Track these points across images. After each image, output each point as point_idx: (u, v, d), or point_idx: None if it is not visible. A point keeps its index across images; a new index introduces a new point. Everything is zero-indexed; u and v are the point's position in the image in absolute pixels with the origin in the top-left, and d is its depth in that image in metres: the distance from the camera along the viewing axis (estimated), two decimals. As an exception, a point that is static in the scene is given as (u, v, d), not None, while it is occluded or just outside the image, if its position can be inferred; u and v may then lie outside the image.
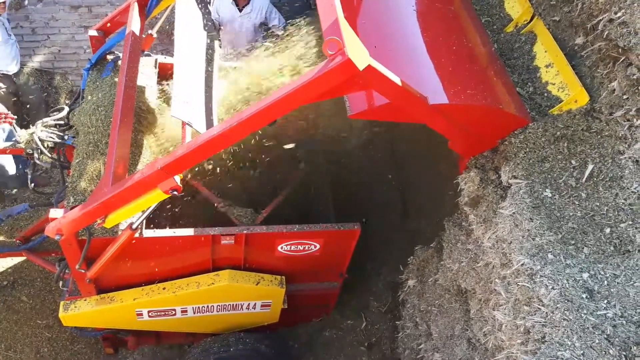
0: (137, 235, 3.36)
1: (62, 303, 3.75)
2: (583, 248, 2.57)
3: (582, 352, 2.21)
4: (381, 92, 2.60)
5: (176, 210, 4.08)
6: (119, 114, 3.26)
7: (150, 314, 3.89)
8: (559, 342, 2.26)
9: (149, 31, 4.03)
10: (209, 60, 3.76)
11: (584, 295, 2.37)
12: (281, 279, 4.04)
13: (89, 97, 3.90)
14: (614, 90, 2.77)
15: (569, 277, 2.43)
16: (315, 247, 3.92)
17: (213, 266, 3.86)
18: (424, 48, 3.26)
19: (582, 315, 2.30)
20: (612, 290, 2.41)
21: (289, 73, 3.58)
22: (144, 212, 3.26)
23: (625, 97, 2.71)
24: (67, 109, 3.98)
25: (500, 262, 2.74)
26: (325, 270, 4.31)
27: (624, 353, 2.21)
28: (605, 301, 2.37)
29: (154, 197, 2.92)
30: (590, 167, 2.77)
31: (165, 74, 4.41)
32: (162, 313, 3.93)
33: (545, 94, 3.13)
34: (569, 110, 2.95)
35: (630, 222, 2.57)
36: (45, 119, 3.91)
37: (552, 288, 2.38)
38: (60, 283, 3.85)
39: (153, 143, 3.94)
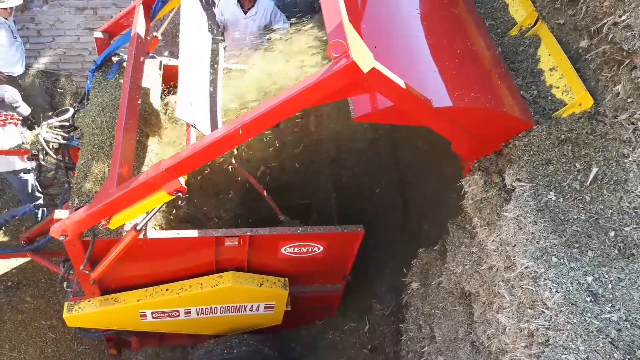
0: (141, 236, 3.37)
1: (66, 304, 3.76)
2: (587, 251, 2.57)
3: (586, 355, 2.20)
4: (385, 95, 2.61)
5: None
6: (123, 115, 3.27)
7: (153, 315, 3.90)
8: (563, 345, 2.25)
9: (154, 33, 4.04)
10: (214, 62, 3.77)
11: (588, 299, 2.37)
12: (284, 281, 4.04)
13: (94, 99, 3.92)
14: (619, 93, 2.76)
15: (573, 280, 2.43)
16: (318, 249, 3.92)
17: (217, 268, 3.86)
18: (427, 51, 3.27)
19: (586, 318, 2.30)
20: (616, 293, 2.40)
21: (293, 75, 3.59)
22: (148, 213, 3.27)
23: (629, 100, 2.70)
24: (72, 110, 4.00)
25: (504, 265, 2.74)
26: (329, 272, 4.31)
27: (629, 357, 2.20)
28: (610, 304, 2.36)
29: (159, 199, 2.93)
30: (594, 170, 2.77)
31: (170, 76, 4.43)
32: (166, 314, 3.93)
33: (550, 98, 3.13)
34: (573, 113, 2.95)
35: (634, 226, 2.57)
36: (50, 120, 3.93)
37: (556, 291, 2.38)
38: (65, 284, 3.86)
39: (157, 144, 3.95)
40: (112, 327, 4.13)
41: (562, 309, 2.33)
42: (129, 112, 3.31)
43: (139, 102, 3.59)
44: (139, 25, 3.72)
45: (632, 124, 2.68)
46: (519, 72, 3.33)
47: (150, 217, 3.30)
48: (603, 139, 2.81)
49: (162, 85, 4.36)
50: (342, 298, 4.73)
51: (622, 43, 2.67)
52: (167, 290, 3.81)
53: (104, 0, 6.44)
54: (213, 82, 3.67)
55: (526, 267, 2.52)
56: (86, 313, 3.71)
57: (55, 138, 3.85)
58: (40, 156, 3.90)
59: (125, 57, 4.06)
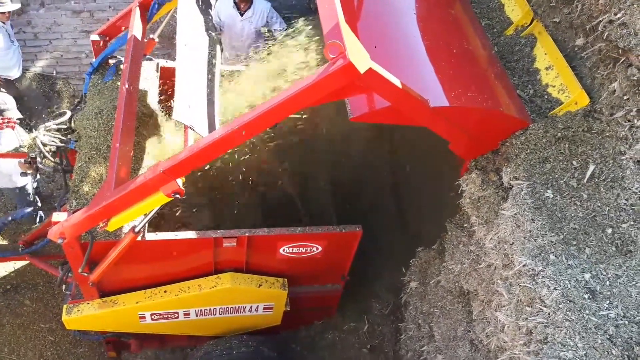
0: (139, 238, 3.37)
1: (65, 306, 3.75)
2: (585, 248, 2.58)
3: (584, 352, 2.21)
4: (382, 95, 2.61)
5: None
6: (121, 118, 3.27)
7: (153, 317, 3.90)
8: (561, 342, 2.26)
9: (151, 35, 4.04)
10: (211, 64, 3.77)
11: (586, 296, 2.38)
12: (283, 282, 4.04)
13: (91, 102, 3.91)
14: (615, 91, 2.77)
15: (570, 277, 2.43)
16: (317, 249, 3.92)
17: (215, 269, 3.86)
18: (424, 51, 3.27)
19: (584, 315, 2.31)
20: (614, 290, 2.41)
21: (290, 76, 3.59)
22: (146, 215, 3.27)
23: (625, 97, 2.72)
24: (69, 113, 3.99)
25: (502, 263, 2.75)
26: (327, 272, 4.31)
27: (627, 353, 2.21)
28: (608, 301, 2.37)
29: (156, 201, 2.93)
30: (591, 167, 2.78)
31: (167, 78, 4.43)
32: (165, 316, 3.93)
33: (546, 96, 3.14)
34: (569, 111, 2.96)
35: (632, 223, 2.58)
36: (47, 124, 3.93)
37: (554, 289, 2.38)
38: (63, 286, 3.86)
39: (155, 146, 3.95)
40: (111, 330, 4.13)
41: (560, 306, 2.34)
42: (126, 114, 3.31)
43: (136, 104, 3.59)
44: (136, 28, 3.72)
45: (629, 121, 2.69)
46: (515, 72, 3.34)
47: (149, 219, 3.30)
48: (600, 137, 2.82)
49: (159, 88, 4.36)
50: (341, 298, 4.73)
51: (618, 41, 2.68)
52: (165, 292, 3.81)
53: (100, 3, 6.44)
54: (210, 83, 3.67)
55: (524, 265, 2.52)
56: (85, 315, 3.71)
57: (53, 141, 3.85)
58: (38, 159, 3.89)
59: (122, 59, 4.06)
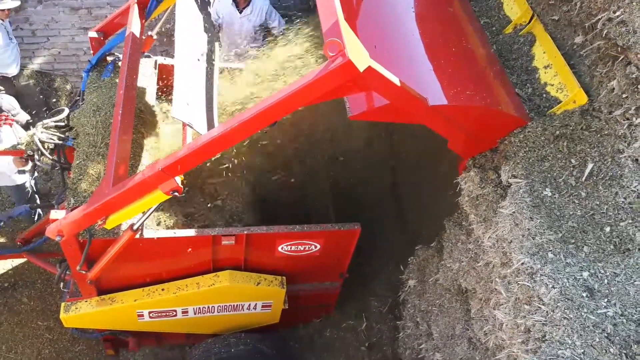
0: (138, 236, 3.36)
1: (63, 304, 3.75)
2: (583, 247, 2.58)
3: (582, 350, 2.22)
4: (381, 94, 2.61)
5: None
6: (119, 115, 3.27)
7: (151, 315, 3.90)
8: (559, 340, 2.26)
9: (149, 33, 4.04)
10: (210, 62, 3.76)
11: (584, 294, 2.38)
12: (282, 280, 4.04)
13: (89, 99, 3.90)
14: (613, 89, 2.77)
15: (569, 275, 2.44)
16: (315, 247, 3.92)
17: (213, 267, 3.86)
18: (423, 50, 3.27)
19: (583, 314, 2.31)
20: (612, 288, 2.41)
21: (289, 74, 3.59)
22: (144, 213, 3.26)
23: (624, 95, 2.72)
24: (67, 110, 3.99)
25: (500, 261, 2.75)
26: (326, 270, 4.31)
27: (625, 351, 2.21)
28: (606, 300, 2.37)
29: (155, 198, 2.93)
30: (590, 165, 2.78)
31: (165, 75, 4.42)
32: (163, 314, 3.93)
33: (544, 95, 3.14)
34: (567, 110, 2.96)
35: (630, 221, 2.58)
36: (45, 121, 3.92)
37: (553, 287, 2.39)
38: (61, 284, 3.86)
39: (153, 144, 3.94)
40: (110, 327, 4.13)
41: (558, 304, 2.34)
42: (124, 111, 3.31)
43: (135, 101, 3.58)
44: (134, 25, 3.71)
45: (627, 119, 2.69)
46: (514, 70, 3.34)
47: (147, 217, 3.29)
48: (598, 135, 2.82)
49: (157, 85, 4.35)
50: (339, 296, 4.73)
51: (617, 39, 2.68)
52: (163, 289, 3.80)
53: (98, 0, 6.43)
54: (209, 81, 3.67)
55: (522, 263, 2.53)
56: (83, 313, 3.71)
57: (51, 138, 3.84)
58: (36, 157, 3.88)
59: (120, 56, 4.05)
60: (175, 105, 3.12)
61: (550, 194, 2.77)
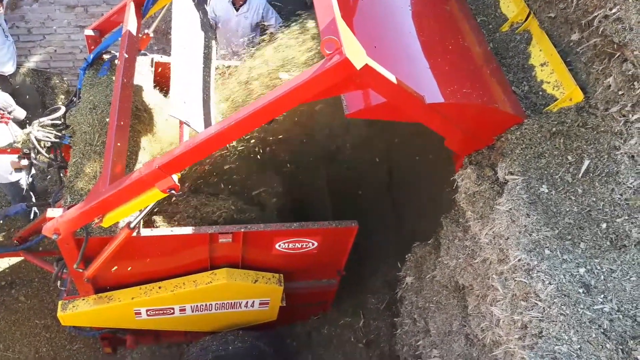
0: (134, 234, 3.36)
1: (60, 303, 3.75)
2: (579, 243, 2.59)
3: (579, 346, 2.23)
4: (378, 91, 2.61)
5: None
6: (116, 113, 3.26)
7: (148, 312, 3.90)
8: (556, 336, 2.27)
9: (146, 30, 4.02)
10: (206, 60, 3.76)
11: (580, 290, 2.39)
12: (279, 277, 4.04)
13: (86, 97, 3.89)
14: (610, 86, 2.78)
15: (565, 272, 2.45)
16: (313, 244, 3.93)
17: (211, 265, 3.86)
18: (420, 47, 3.27)
19: (579, 309, 2.32)
20: (608, 284, 2.42)
21: (286, 72, 3.59)
22: (141, 211, 3.26)
23: (620, 92, 2.73)
24: (63, 108, 3.98)
25: (497, 258, 2.76)
26: (323, 267, 4.32)
27: (621, 347, 2.22)
28: (602, 296, 2.39)
29: (152, 197, 2.92)
30: (586, 162, 2.79)
31: (162, 74, 4.41)
32: (161, 312, 3.93)
33: (541, 93, 3.15)
34: (564, 107, 2.97)
35: (626, 217, 2.59)
36: (41, 119, 3.91)
37: (549, 283, 2.40)
38: (58, 283, 3.85)
39: (150, 142, 3.94)
40: (107, 325, 4.12)
41: (555, 300, 2.35)
42: (121, 110, 3.30)
43: (131, 99, 3.58)
44: (131, 23, 3.70)
45: (623, 116, 2.70)
46: (511, 68, 3.35)
47: (144, 215, 3.29)
48: (594, 132, 2.83)
49: (154, 83, 4.35)
50: (336, 293, 4.74)
51: (613, 36, 2.69)
52: (160, 287, 3.80)
53: (94, -3, 6.41)
54: (205, 79, 3.66)
55: (519, 260, 2.53)
56: (80, 311, 3.71)
57: (47, 137, 3.83)
58: (32, 155, 3.87)
59: (117, 54, 4.04)
60: (172, 103, 3.12)
61: (546, 191, 2.78)
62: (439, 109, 2.85)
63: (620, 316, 2.33)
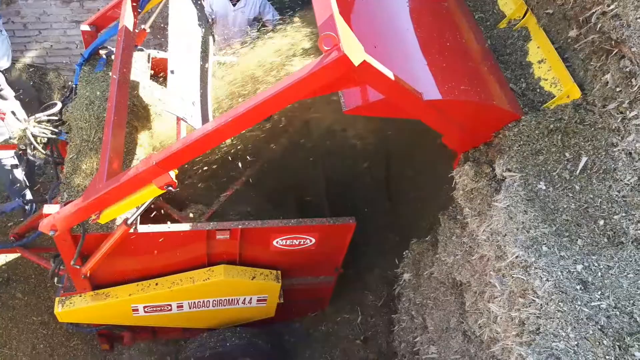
0: (132, 230, 3.35)
1: (57, 299, 3.74)
2: (577, 240, 2.59)
3: (576, 342, 2.23)
4: (376, 88, 2.61)
5: None
6: (112, 109, 3.24)
7: (146, 309, 3.90)
8: (553, 333, 2.28)
9: (142, 26, 4.00)
10: (204, 55, 3.75)
11: (578, 287, 2.39)
12: (277, 274, 4.04)
13: (82, 92, 3.88)
14: (607, 82, 2.78)
15: (563, 268, 2.45)
16: (310, 241, 3.92)
17: (208, 261, 3.86)
18: (417, 44, 3.27)
19: (576, 306, 2.32)
20: (605, 281, 2.43)
21: (283, 68, 3.58)
22: (138, 207, 3.25)
23: (618, 89, 2.72)
24: (60, 104, 3.96)
25: (495, 254, 2.76)
26: (321, 264, 4.32)
27: (618, 343, 2.23)
28: (599, 292, 2.39)
29: (149, 193, 2.91)
30: (584, 159, 2.79)
31: (158, 69, 4.39)
32: (158, 308, 3.93)
33: (538, 90, 3.15)
34: (561, 104, 2.97)
35: (623, 214, 2.59)
36: (37, 115, 3.89)
37: (547, 280, 2.40)
38: (55, 279, 3.84)
39: (147, 138, 3.92)
40: (104, 322, 4.12)
41: (552, 297, 2.35)
42: (117, 105, 3.28)
43: (128, 95, 3.56)
44: (127, 18, 3.68)
45: (621, 113, 2.70)
46: (508, 65, 3.35)
47: (141, 212, 3.28)
48: (592, 128, 2.83)
49: (150, 79, 4.33)
50: (334, 290, 4.74)
51: (611, 32, 2.69)
52: (157, 284, 3.80)
53: (90, -8, 6.37)
54: (203, 75, 3.65)
55: (517, 257, 2.54)
56: (78, 308, 3.70)
57: (43, 132, 3.82)
58: (29, 151, 3.86)
59: (113, 49, 4.02)
60: (169, 99, 3.11)
61: (544, 188, 2.78)
62: (436, 105, 2.85)
63: (617, 313, 2.33)
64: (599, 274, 2.46)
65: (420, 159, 4.96)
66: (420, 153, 4.91)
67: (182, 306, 3.98)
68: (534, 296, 2.41)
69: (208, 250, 3.78)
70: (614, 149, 2.71)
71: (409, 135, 4.85)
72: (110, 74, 3.77)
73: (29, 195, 5.31)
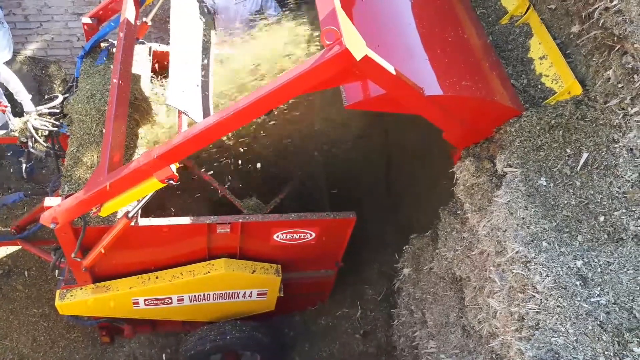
0: (132, 223, 3.36)
1: (58, 292, 3.75)
2: (577, 236, 2.60)
3: (575, 338, 2.24)
4: (377, 83, 2.60)
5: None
6: (113, 102, 3.25)
7: (146, 302, 3.91)
8: (552, 328, 2.28)
9: (144, 19, 3.99)
10: (205, 48, 3.74)
11: (577, 283, 2.40)
12: (277, 268, 4.05)
13: (83, 85, 3.88)
14: (609, 78, 2.78)
15: (563, 264, 2.45)
16: (311, 235, 3.93)
17: (209, 255, 3.87)
18: (419, 39, 3.26)
19: (576, 302, 2.33)
20: (605, 277, 2.43)
21: (285, 62, 3.57)
22: (139, 200, 3.26)
23: (620, 85, 2.72)
24: (61, 97, 3.96)
25: (495, 250, 2.76)
26: (321, 258, 4.33)
27: (617, 339, 2.24)
28: (599, 288, 2.39)
29: (150, 186, 2.92)
30: (584, 155, 2.79)
31: (160, 62, 4.39)
32: (159, 301, 3.94)
33: (539, 86, 3.14)
34: (563, 100, 2.97)
35: (624, 210, 2.59)
36: (39, 108, 3.89)
37: (546, 275, 2.40)
38: (56, 272, 3.86)
39: (148, 131, 3.92)
40: (105, 315, 4.13)
41: (552, 292, 2.36)
42: (118, 98, 3.28)
43: (129, 88, 3.56)
44: (128, 11, 3.67)
45: (623, 109, 2.70)
46: (510, 61, 3.34)
47: (142, 205, 3.29)
48: (593, 125, 2.83)
49: (152, 72, 4.32)
50: (334, 284, 4.75)
51: (613, 28, 2.68)
52: (157, 277, 3.81)
53: (91, -15, 6.35)
54: (204, 68, 3.64)
55: (517, 252, 2.54)
56: (78, 301, 3.71)
57: (45, 125, 3.82)
58: (29, 144, 3.86)
59: (115, 43, 4.01)
60: (171, 92, 3.10)
61: (545, 183, 2.78)
62: (437, 101, 2.84)
63: (617, 309, 2.34)
64: (599, 270, 2.47)
65: (420, 154, 4.95)
66: (421, 147, 4.90)
67: (182, 299, 3.99)
68: (533, 291, 2.42)
69: (209, 244, 3.79)
70: (615, 145, 2.70)
71: (410, 129, 4.85)
72: (112, 67, 3.76)
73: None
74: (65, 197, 3.15)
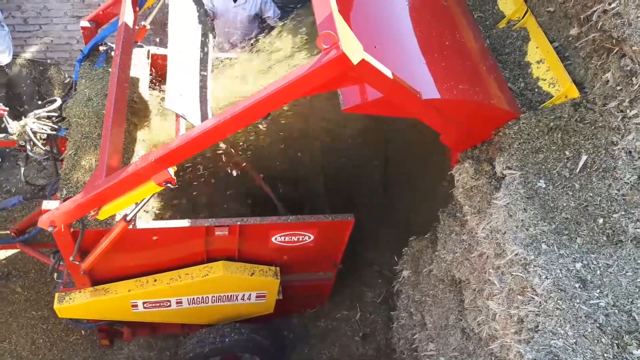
0: (131, 226, 3.35)
1: (56, 295, 3.75)
2: (576, 238, 2.59)
3: (574, 340, 2.24)
4: (375, 87, 2.60)
5: None
6: (112, 105, 3.24)
7: (145, 305, 3.90)
8: (552, 331, 2.28)
9: (142, 22, 4.00)
10: (204, 52, 3.74)
11: (577, 285, 2.40)
12: (276, 270, 4.05)
13: (82, 89, 3.87)
14: (608, 81, 2.77)
15: (562, 267, 2.45)
16: (309, 238, 3.93)
17: (207, 257, 3.86)
18: (416, 43, 3.26)
19: (575, 304, 2.33)
20: (604, 279, 2.43)
21: (282, 66, 3.57)
22: (138, 204, 3.25)
23: (618, 88, 2.72)
24: (59, 100, 3.96)
25: (494, 252, 2.76)
26: (320, 261, 4.32)
27: (616, 342, 2.23)
28: (598, 291, 2.39)
29: (148, 190, 2.92)
30: (583, 157, 2.79)
31: (158, 66, 4.39)
32: (157, 304, 3.94)
33: (536, 90, 3.15)
34: (561, 103, 2.97)
35: (623, 213, 2.59)
36: (37, 111, 3.89)
37: (546, 278, 2.40)
38: (55, 275, 3.85)
39: (146, 135, 3.92)
40: (104, 318, 4.12)
41: (551, 295, 2.36)
42: (117, 102, 3.28)
43: (127, 92, 3.56)
44: (127, 14, 3.67)
45: (621, 111, 2.70)
46: (507, 65, 3.34)
47: (140, 208, 3.28)
48: (592, 127, 2.83)
49: (150, 75, 4.32)
50: (333, 286, 4.75)
51: (612, 31, 2.68)
52: (156, 280, 3.80)
53: (90, -13, 6.36)
54: (202, 72, 3.64)
55: (516, 254, 2.54)
56: (77, 304, 3.71)
57: (43, 129, 3.81)
58: (28, 147, 3.86)
59: (113, 46, 4.01)
60: (169, 96, 3.10)
61: (544, 186, 2.77)
62: (435, 104, 2.84)
63: (616, 311, 2.33)
64: (598, 272, 2.46)
65: (419, 156, 4.94)
66: (419, 150, 4.90)
67: (181, 302, 3.99)
68: (532, 294, 2.42)
69: (207, 247, 3.79)
70: (614, 148, 2.70)
71: (408, 132, 4.85)
72: (110, 70, 3.76)
73: None
74: (64, 200, 3.15)
